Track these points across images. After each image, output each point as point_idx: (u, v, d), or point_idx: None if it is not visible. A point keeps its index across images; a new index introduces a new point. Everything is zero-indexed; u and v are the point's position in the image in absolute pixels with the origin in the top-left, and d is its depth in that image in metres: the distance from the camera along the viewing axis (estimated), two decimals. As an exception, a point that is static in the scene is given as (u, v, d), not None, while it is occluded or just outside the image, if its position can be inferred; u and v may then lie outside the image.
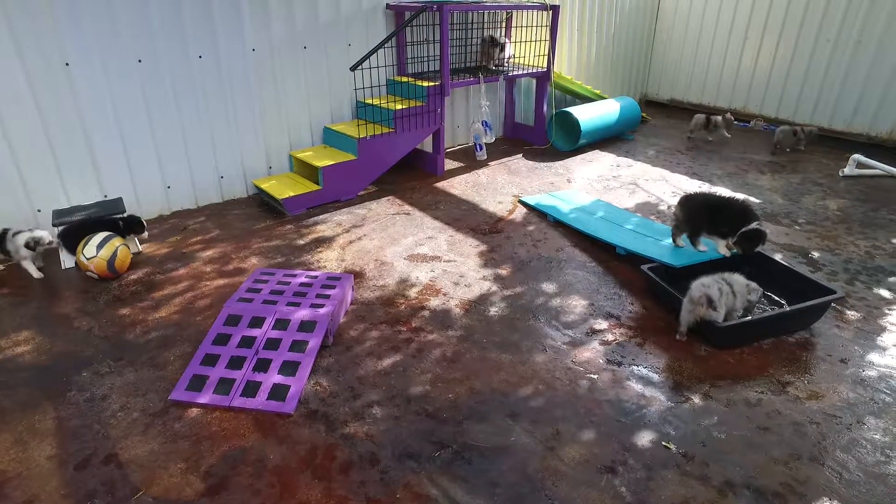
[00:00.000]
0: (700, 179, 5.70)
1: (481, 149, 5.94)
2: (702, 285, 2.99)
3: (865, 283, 3.75)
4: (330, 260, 4.01)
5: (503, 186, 5.40)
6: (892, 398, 2.70)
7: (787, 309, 3.19)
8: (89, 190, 4.28)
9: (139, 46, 4.20)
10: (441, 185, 5.43)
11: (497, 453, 2.37)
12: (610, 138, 6.94)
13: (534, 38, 6.33)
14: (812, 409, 2.64)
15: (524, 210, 4.85)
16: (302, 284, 3.39)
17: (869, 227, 4.63)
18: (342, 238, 4.34)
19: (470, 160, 6.12)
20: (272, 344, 2.93)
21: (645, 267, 3.44)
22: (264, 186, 4.90)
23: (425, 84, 5.25)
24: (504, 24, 6.44)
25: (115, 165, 4.34)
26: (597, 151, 6.55)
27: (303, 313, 3.08)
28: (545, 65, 6.26)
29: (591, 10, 7.53)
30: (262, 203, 5.01)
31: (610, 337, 3.14)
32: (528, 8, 6.00)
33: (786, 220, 4.77)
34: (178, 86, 4.47)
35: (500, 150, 6.58)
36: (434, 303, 3.47)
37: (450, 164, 6.01)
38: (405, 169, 5.86)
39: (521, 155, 6.37)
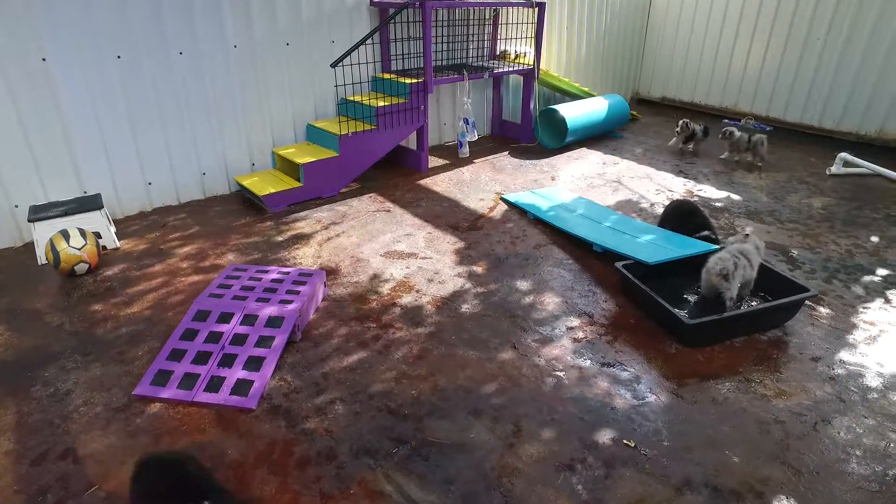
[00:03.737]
0: (686, 177, 5.67)
1: (463, 146, 5.92)
2: (719, 259, 3.11)
3: (843, 282, 3.72)
4: (306, 256, 4.00)
5: (486, 184, 5.39)
6: (859, 396, 2.69)
7: (759, 306, 3.17)
8: (68, 186, 4.28)
9: (118, 42, 4.19)
10: (424, 182, 5.42)
11: (455, 450, 2.35)
12: (598, 136, 6.91)
13: (521, 36, 6.30)
14: (778, 407, 2.62)
15: (505, 207, 4.84)
16: (273, 280, 3.39)
17: (851, 225, 4.61)
18: (320, 235, 4.33)
19: (455, 157, 6.11)
20: (239, 339, 2.93)
21: (619, 264, 3.42)
22: (246, 183, 4.89)
23: (408, 81, 5.24)
24: (491, 22, 6.42)
25: (94, 161, 4.34)
26: (584, 149, 6.53)
27: (271, 309, 3.08)
28: (531, 62, 6.24)
29: (580, 8, 7.51)
30: (245, 200, 5.01)
31: (580, 334, 3.13)
32: (513, 5, 5.98)
33: (769, 218, 4.75)
34: (159, 82, 4.47)
35: (487, 147, 6.56)
36: (406, 300, 3.46)
37: (435, 162, 6.00)
38: (389, 166, 5.85)
39: (507, 152, 6.35)
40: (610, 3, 7.93)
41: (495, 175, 5.63)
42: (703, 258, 3.51)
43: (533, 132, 6.55)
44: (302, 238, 4.28)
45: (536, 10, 5.99)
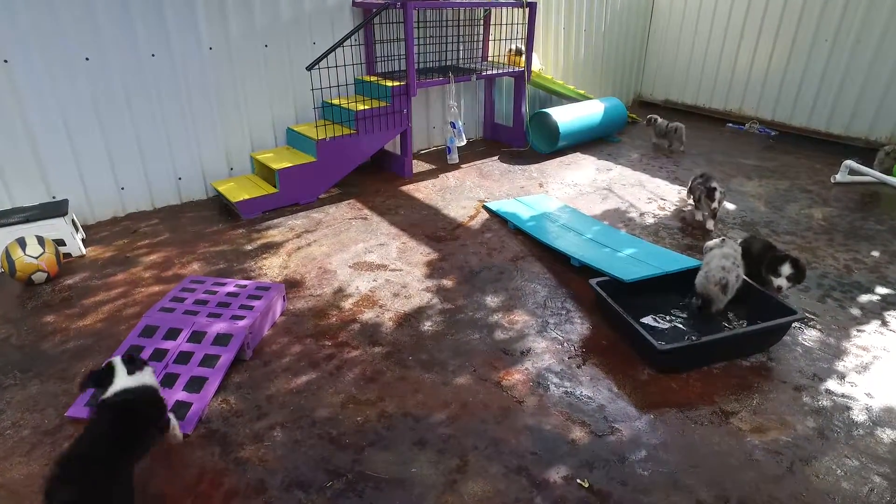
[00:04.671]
0: (681, 185, 5.43)
1: (451, 151, 5.75)
2: (722, 268, 3.04)
3: (838, 301, 3.48)
4: (273, 267, 3.86)
5: (470, 190, 5.20)
6: (843, 433, 2.46)
7: (740, 331, 2.95)
8: (35, 191, 4.18)
9: (85, 43, 4.08)
10: (406, 188, 5.25)
11: (393, 486, 2.18)
12: (593, 140, 6.69)
13: (512, 37, 6.10)
14: (754, 443, 2.41)
15: (486, 216, 4.65)
16: (228, 294, 3.24)
17: (852, 238, 4.34)
18: (291, 244, 4.18)
19: (443, 162, 5.93)
20: (183, 358, 2.79)
21: (593, 281, 3.22)
22: (221, 189, 4.77)
23: (390, 84, 5.07)
24: (482, 23, 6.23)
25: (62, 166, 4.24)
26: (577, 154, 6.31)
27: (221, 326, 2.93)
28: (522, 64, 6.04)
29: (578, 7, 7.28)
30: (222, 206, 4.88)
31: (547, 357, 2.93)
32: (502, 5, 5.78)
33: (765, 229, 4.50)
34: (130, 84, 4.36)
35: (478, 151, 6.37)
36: (367, 315, 3.29)
37: (422, 166, 5.83)
38: (373, 171, 5.70)
39: (497, 157, 6.16)
40: (610, 2, 7.69)
41: (481, 181, 5.44)
42: (691, 273, 3.32)
43: (525, 136, 6.35)
44: (272, 247, 4.14)
45: (527, 10, 5.79)
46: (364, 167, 5.74)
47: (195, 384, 2.65)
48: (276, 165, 4.70)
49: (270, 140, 5.25)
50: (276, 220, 4.57)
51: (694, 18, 7.78)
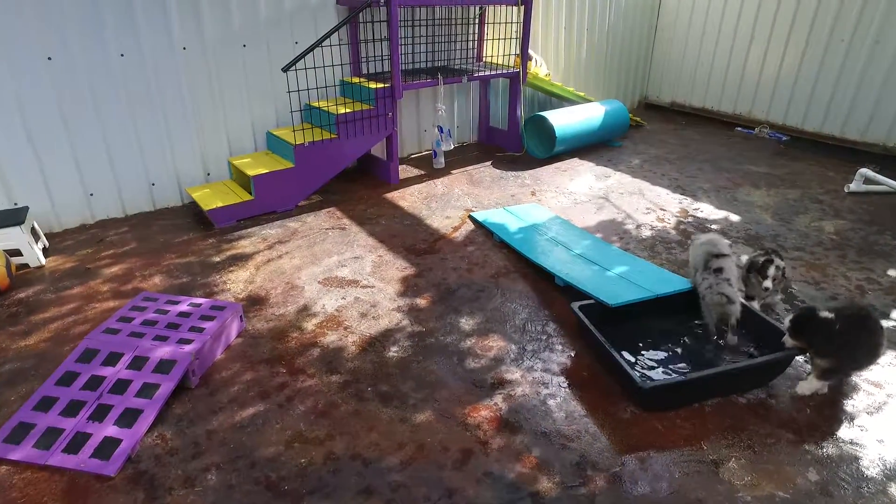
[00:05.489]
0: (683, 194, 5.11)
1: (437, 156, 5.48)
2: (715, 284, 2.85)
3: (849, 328, 3.15)
4: (238, 281, 3.62)
5: (458, 199, 4.93)
6: (850, 489, 2.16)
7: (734, 366, 2.65)
8: (-4, 197, 4.00)
9: (48, 43, 3.88)
10: (391, 195, 4.99)
11: (329, 547, 1.93)
12: (593, 145, 6.38)
13: (508, 36, 5.82)
14: (745, 500, 2.11)
15: (472, 227, 4.38)
16: (180, 314, 3.01)
17: (867, 254, 4.00)
18: (261, 256, 3.95)
19: (432, 168, 5.66)
20: (120, 387, 2.56)
21: (576, 305, 2.94)
22: (196, 195, 4.55)
23: (374, 86, 4.82)
24: (477, 22, 5.96)
25: (24, 171, 4.04)
26: (575, 160, 6.01)
27: (165, 350, 2.70)
28: (518, 64, 5.76)
29: (580, 5, 6.97)
30: (197, 213, 4.66)
31: (519, 390, 2.66)
32: (496, 2, 5.50)
33: (771, 244, 4.17)
34: (97, 86, 4.15)
35: (471, 156, 6.10)
36: (330, 338, 3.04)
37: (411, 172, 5.57)
38: (358, 176, 5.45)
39: (490, 163, 5.88)
40: (615, 2, 7.37)
41: (471, 189, 5.17)
42: (676, 297, 3.03)
43: (520, 141, 6.06)
44: (241, 259, 3.91)
45: (522, 8, 5.50)
46: (350, 172, 5.50)
47: (128, 417, 2.41)
48: (251, 171, 4.47)
49: (250, 144, 5.03)
50: (249, 230, 4.34)
51: (703, 17, 7.43)
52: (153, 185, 4.65)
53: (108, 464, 2.23)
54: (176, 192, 4.78)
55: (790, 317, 2.58)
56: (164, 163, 4.63)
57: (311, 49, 4.30)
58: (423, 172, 5.56)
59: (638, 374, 2.60)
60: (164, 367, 2.62)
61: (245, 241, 4.17)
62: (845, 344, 2.48)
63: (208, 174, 4.89)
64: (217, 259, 3.91)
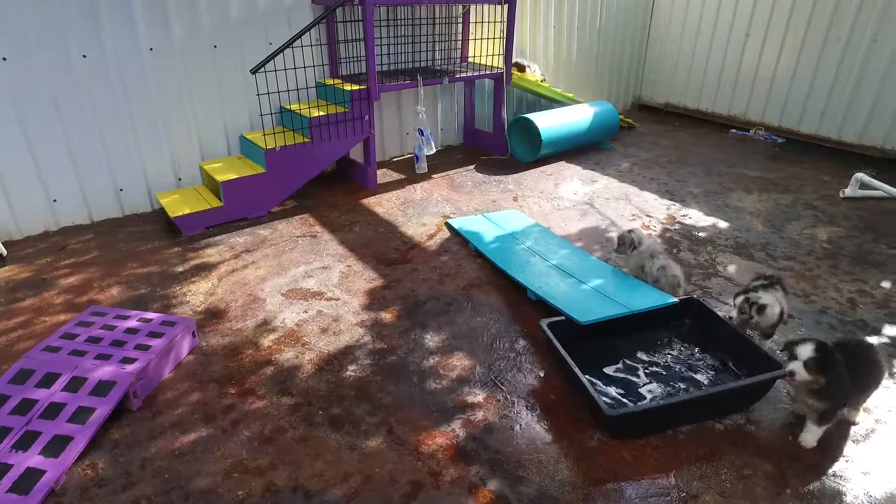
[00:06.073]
0: (672, 199, 4.93)
1: (419, 160, 5.32)
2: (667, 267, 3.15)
3: (837, 345, 2.97)
4: (198, 293, 3.46)
5: (437, 204, 4.76)
6: (830, 529, 1.98)
7: (707, 392, 2.47)
8: (-48, 204, 3.85)
9: (2, 43, 3.73)
10: (368, 201, 4.83)
11: None
12: (582, 148, 6.20)
13: (493, 36, 5.65)
14: (716, 538, 1.94)
15: (447, 235, 4.21)
16: (127, 331, 2.85)
17: (861, 264, 3.82)
18: (227, 265, 3.79)
19: (414, 171, 5.49)
20: (52, 411, 2.40)
21: (544, 322, 2.77)
22: (164, 202, 4.39)
23: (349, 88, 4.65)
24: (461, 21, 5.78)
25: (-18, 177, 3.90)
26: (562, 163, 5.83)
27: (105, 371, 2.54)
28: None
29: (570, 4, 6.79)
30: (168, 219, 4.49)
31: (480, 415, 2.49)
32: (476, 1, 5.33)
33: (760, 253, 3.99)
34: (58, 88, 3.99)
35: (455, 159, 5.92)
36: (286, 356, 2.88)
37: (390, 176, 5.40)
38: (337, 181, 5.29)
39: (473, 166, 5.70)
40: (606, 1, 7.18)
41: (451, 194, 4.99)
42: (658, 312, 2.87)
43: (505, 144, 5.89)
44: (205, 269, 3.75)
45: (506, 6, 5.32)
46: (327, 176, 5.34)
47: (57, 445, 2.25)
48: (221, 177, 4.32)
49: (223, 148, 4.87)
50: (218, 237, 4.18)
51: (697, 16, 7.24)
52: (121, 190, 4.50)
53: (27, 499, 2.07)
54: (146, 198, 4.63)
55: (810, 346, 2.16)
56: (133, 168, 4.48)
57: (281, 50, 4.13)
58: (403, 176, 5.40)
59: (606, 400, 2.42)
60: (102, 388, 2.46)
61: (212, 249, 4.01)
62: (857, 385, 2.27)
63: (179, 179, 4.74)
64: (180, 269, 3.75)
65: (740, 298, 2.82)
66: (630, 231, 3.35)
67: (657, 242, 3.46)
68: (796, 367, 2.17)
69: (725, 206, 4.80)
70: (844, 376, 2.17)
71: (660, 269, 3.16)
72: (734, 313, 2.87)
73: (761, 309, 2.75)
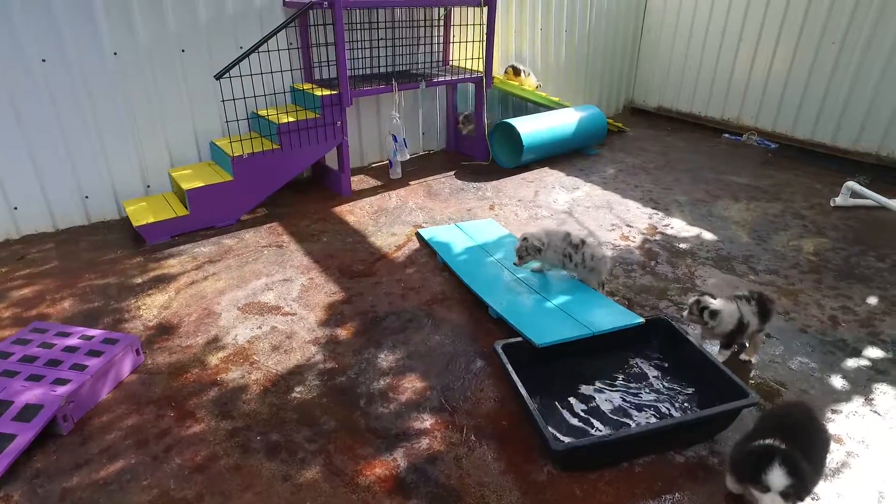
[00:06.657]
0: (655, 208, 4.78)
1: (393, 165, 5.19)
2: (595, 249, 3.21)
3: (816, 367, 2.81)
4: (153, 307, 3.34)
5: (410, 213, 4.62)
6: (789, 577, 1.82)
7: (667, 423, 2.32)
8: None
9: (-42, 49, 3.64)
10: (340, 209, 4.70)
11: None
12: (567, 154, 6.05)
13: (475, 39, 5.51)
14: (665, 586, 1.79)
15: (417, 245, 4.07)
16: (66, 349, 2.73)
17: (846, 278, 3.66)
18: (186, 277, 3.67)
19: (391, 178, 5.36)
20: (-26, 437, 2.28)
21: (499, 344, 2.63)
22: (130, 209, 4.29)
23: (320, 93, 4.53)
24: (442, 24, 5.65)
25: (-61, 185, 3.80)
26: (545, 169, 5.68)
27: (34, 393, 2.42)
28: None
29: (558, 5, 6.64)
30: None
31: (425, 443, 2.35)
32: (452, 3, 5.19)
33: (742, 266, 3.84)
34: (17, 94, 3.89)
35: (434, 165, 5.79)
36: (232, 375, 2.75)
37: (366, 183, 5.27)
38: (311, 188, 5.17)
39: (453, 172, 5.57)
40: (596, 2, 7.03)
41: (426, 201, 4.86)
42: (623, 333, 2.72)
43: (487, 149, 5.75)
44: (164, 280, 3.63)
45: (486, 9, 5.18)
46: (301, 183, 5.22)
47: (-27, 475, 2.14)
48: (187, 185, 4.20)
49: (193, 155, 4.75)
50: (181, 247, 4.06)
51: (689, 18, 7.08)
52: (87, 197, 4.39)
53: (-64, 533, 1.95)
54: (113, 206, 4.52)
55: (780, 473, 1.81)
56: (98, 174, 4.37)
57: (247, 54, 4.02)
58: (380, 183, 5.27)
59: (556, 433, 2.28)
60: (27, 413, 2.34)
61: (174, 259, 3.89)
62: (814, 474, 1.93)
63: (148, 186, 4.63)
64: (138, 280, 3.64)
65: (692, 299, 2.70)
66: (524, 239, 3.21)
67: (562, 231, 3.31)
68: (772, 500, 1.84)
69: (710, 216, 4.64)
70: (811, 475, 1.90)
71: (590, 258, 3.19)
72: (685, 313, 2.75)
73: (714, 314, 2.63)
